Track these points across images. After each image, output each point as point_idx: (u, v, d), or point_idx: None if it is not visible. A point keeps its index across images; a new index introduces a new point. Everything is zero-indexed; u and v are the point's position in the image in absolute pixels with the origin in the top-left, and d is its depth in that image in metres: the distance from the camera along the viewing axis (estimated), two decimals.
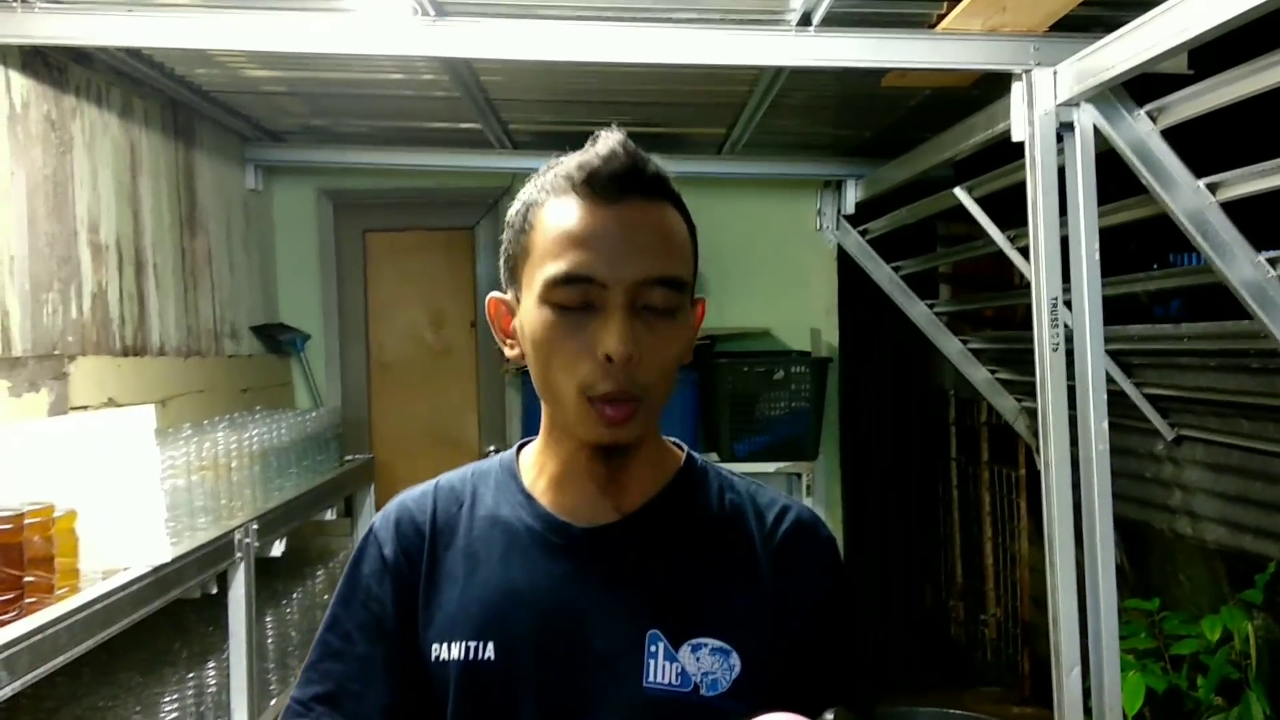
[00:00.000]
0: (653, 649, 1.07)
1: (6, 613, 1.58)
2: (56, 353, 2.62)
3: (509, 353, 1.13)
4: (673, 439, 1.19)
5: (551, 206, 1.07)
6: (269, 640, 2.83)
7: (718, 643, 1.07)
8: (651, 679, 1.06)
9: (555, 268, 1.04)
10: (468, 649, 1.07)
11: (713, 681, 1.07)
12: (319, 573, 3.31)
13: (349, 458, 3.76)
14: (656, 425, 1.15)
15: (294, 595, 3.06)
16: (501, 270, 1.13)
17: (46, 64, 2.64)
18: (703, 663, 1.07)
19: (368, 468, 3.89)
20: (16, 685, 1.52)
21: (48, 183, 2.64)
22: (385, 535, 1.15)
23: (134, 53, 2.87)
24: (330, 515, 3.44)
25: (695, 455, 1.19)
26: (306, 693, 1.12)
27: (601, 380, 1.03)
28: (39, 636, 1.58)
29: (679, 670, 1.06)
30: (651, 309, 1.04)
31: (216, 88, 3.39)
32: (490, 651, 1.07)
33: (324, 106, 3.69)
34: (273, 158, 4.14)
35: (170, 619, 2.47)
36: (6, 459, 1.76)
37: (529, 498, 1.13)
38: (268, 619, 2.85)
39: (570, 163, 1.08)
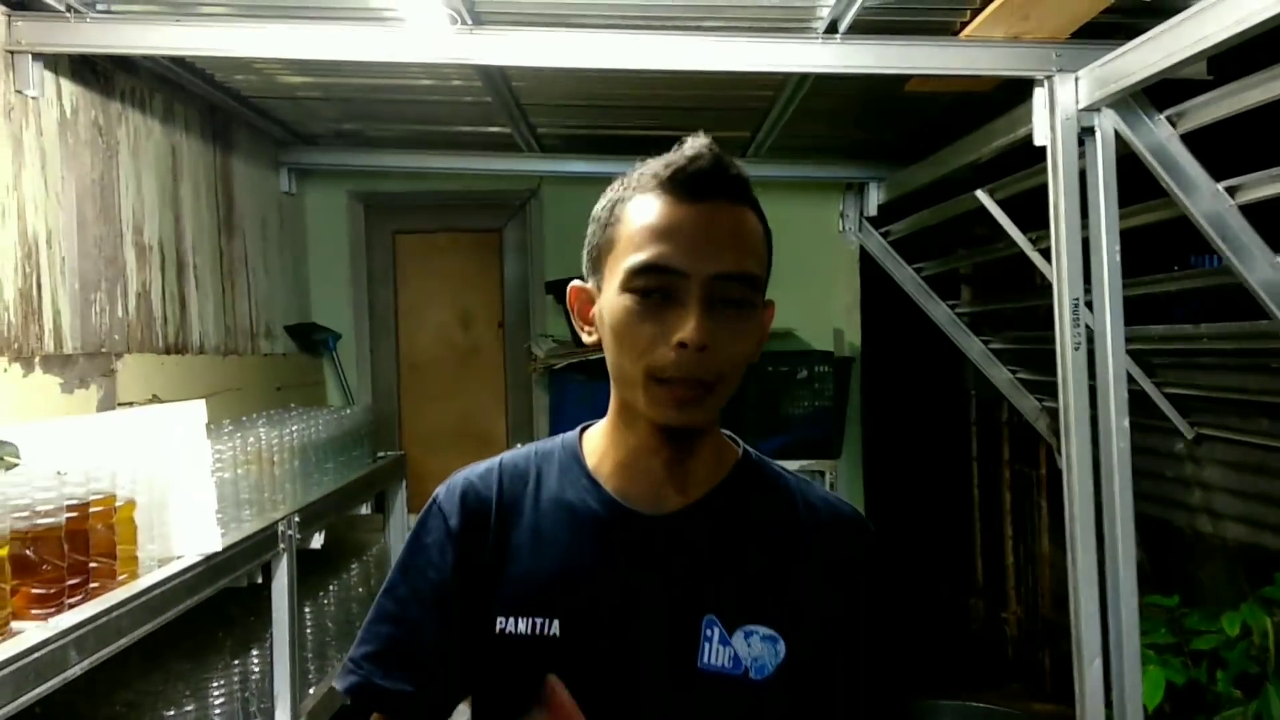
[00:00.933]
0: (708, 633, 1.13)
1: (74, 596, 1.65)
2: (104, 350, 2.71)
3: (587, 339, 1.20)
4: (727, 432, 1.26)
5: (637, 202, 1.14)
6: (308, 631, 2.91)
7: (768, 630, 1.14)
8: (706, 661, 1.13)
9: (639, 257, 1.10)
10: (534, 624, 1.14)
11: (761, 666, 1.13)
12: (353, 566, 3.38)
13: (381, 454, 3.84)
14: (718, 420, 1.21)
15: (330, 588, 3.14)
16: (584, 261, 1.20)
17: (94, 71, 2.73)
18: (753, 648, 1.13)
19: (399, 464, 3.96)
20: (85, 664, 1.60)
21: (95, 186, 2.73)
22: (450, 507, 1.21)
23: (177, 60, 2.96)
24: (365, 510, 3.52)
25: (750, 449, 1.26)
26: (359, 652, 1.20)
27: (673, 366, 1.09)
28: (105, 619, 1.66)
29: (731, 654, 1.13)
30: (726, 303, 1.10)
31: (253, 93, 3.48)
32: (555, 628, 1.13)
33: (355, 111, 3.78)
34: (306, 161, 4.24)
35: (214, 609, 2.55)
36: (68, 450, 1.84)
37: (594, 482, 1.19)
38: (306, 610, 2.92)
39: (658, 163, 1.15)
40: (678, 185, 1.12)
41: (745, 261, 1.12)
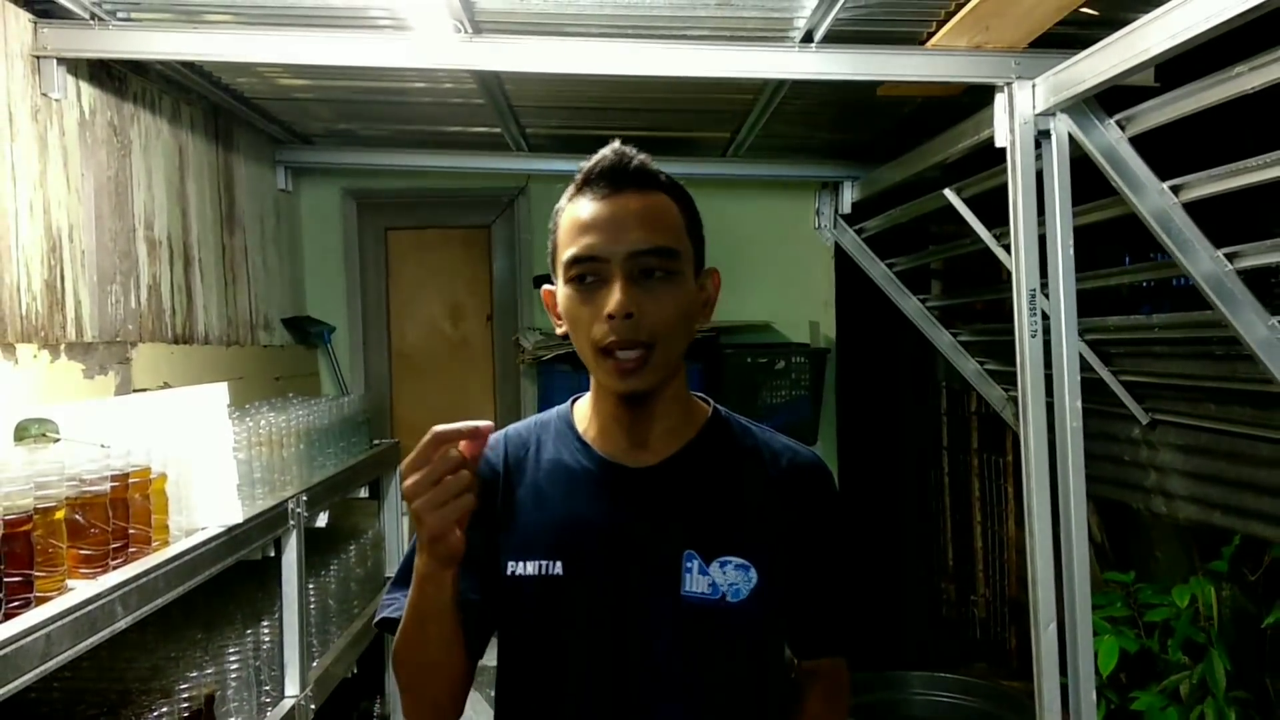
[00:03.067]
0: (689, 565, 1.33)
1: (116, 559, 1.81)
2: (119, 339, 2.86)
3: (559, 331, 1.40)
4: (699, 394, 1.45)
5: (568, 208, 1.36)
6: (311, 605, 3.06)
7: (740, 560, 1.34)
8: (688, 589, 1.33)
9: (570, 251, 1.32)
10: (541, 566, 1.33)
11: (736, 590, 1.33)
12: (351, 547, 3.53)
13: (376, 442, 3.99)
14: (683, 384, 1.40)
15: (331, 567, 3.29)
16: (549, 267, 1.41)
17: (110, 75, 2.87)
18: (728, 576, 1.33)
19: (393, 452, 4.11)
20: (129, 619, 1.76)
21: (111, 184, 2.87)
22: None
23: (186, 63, 3.10)
24: (364, 493, 3.67)
25: (720, 407, 1.46)
26: (380, 614, 1.40)
27: (607, 335, 1.29)
28: (145, 580, 1.81)
29: (710, 582, 1.32)
30: (648, 274, 1.30)
31: (254, 94, 3.60)
32: (559, 568, 1.33)
33: (350, 112, 3.90)
34: (302, 160, 4.37)
35: (223, 583, 2.69)
36: (103, 429, 1.99)
37: (584, 444, 1.40)
38: (310, 586, 3.08)
39: (578, 171, 1.36)
40: (591, 185, 1.34)
41: (655, 237, 1.31)
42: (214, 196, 3.60)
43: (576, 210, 1.33)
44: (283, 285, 4.31)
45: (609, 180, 1.33)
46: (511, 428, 1.48)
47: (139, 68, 3.02)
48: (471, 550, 1.28)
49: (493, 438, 1.45)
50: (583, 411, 1.45)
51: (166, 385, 3.00)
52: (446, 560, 1.23)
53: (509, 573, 1.35)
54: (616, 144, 1.36)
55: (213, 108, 3.59)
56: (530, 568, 1.34)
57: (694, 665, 1.33)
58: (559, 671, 1.34)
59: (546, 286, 1.42)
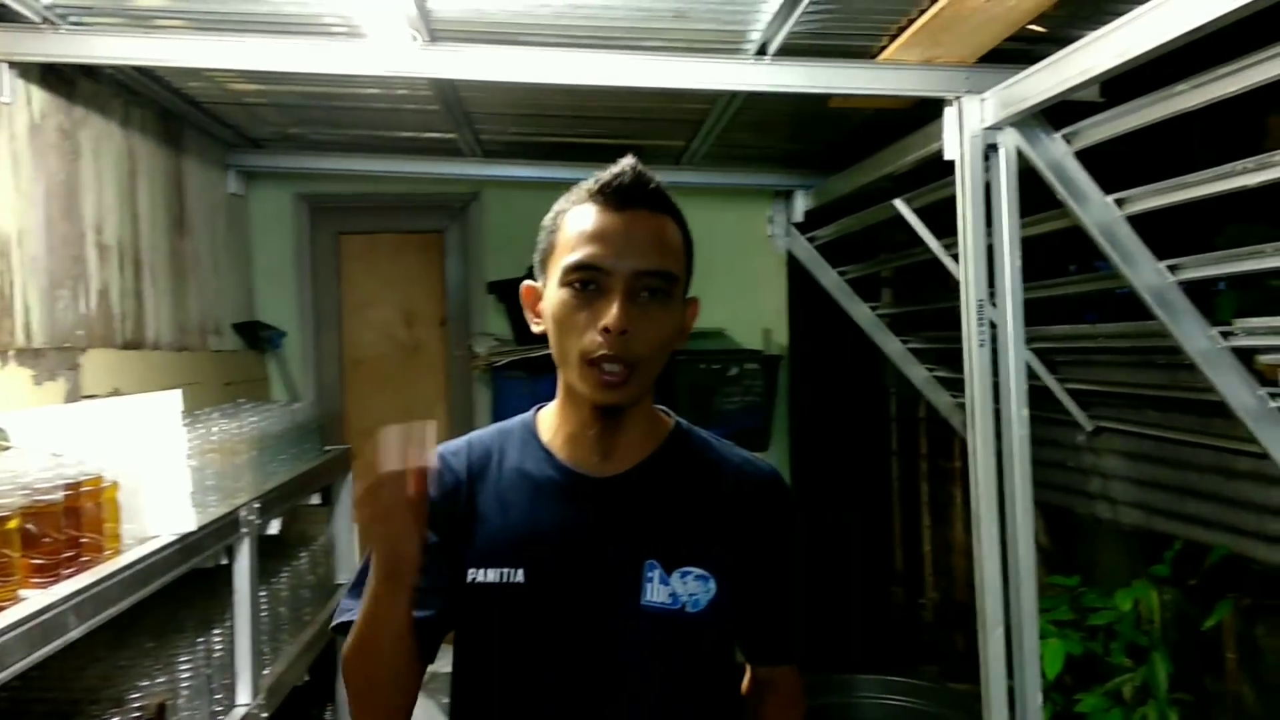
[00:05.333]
0: (649, 575, 1.35)
1: (69, 568, 1.80)
2: (68, 345, 2.82)
3: (535, 329, 1.41)
4: (661, 407, 1.47)
5: (574, 212, 1.37)
6: (263, 613, 3.04)
7: (701, 570, 1.36)
8: (648, 598, 1.34)
9: (573, 257, 1.33)
10: (502, 574, 1.35)
11: (695, 601, 1.35)
12: (303, 554, 3.51)
13: (328, 448, 3.97)
14: (650, 396, 1.42)
15: (283, 574, 3.27)
16: (535, 262, 1.42)
17: (60, 78, 2.84)
18: (688, 586, 1.35)
19: (344, 459, 4.09)
20: (81, 629, 1.74)
21: (61, 188, 2.84)
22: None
23: (138, 67, 3.07)
24: (316, 500, 3.65)
25: (681, 421, 1.48)
26: (337, 619, 1.40)
27: (600, 348, 1.30)
28: (98, 589, 1.79)
29: (670, 592, 1.35)
30: (646, 295, 1.33)
31: (205, 98, 3.58)
32: (520, 575, 1.34)
33: (303, 116, 3.88)
34: (253, 163, 4.34)
35: (174, 591, 2.67)
36: (54, 436, 1.97)
37: (548, 453, 1.41)
38: (262, 594, 3.05)
39: (592, 179, 1.37)
40: (605, 196, 1.35)
41: (661, 261, 1.34)
42: (164, 201, 3.57)
43: (585, 217, 1.35)
44: (234, 290, 4.28)
45: (624, 196, 1.35)
46: (475, 435, 1.49)
47: (89, 71, 2.99)
48: (431, 557, 1.29)
49: (456, 444, 1.47)
50: (547, 421, 1.46)
51: (116, 391, 2.97)
52: (402, 587, 1.24)
53: (470, 580, 1.36)
54: (633, 160, 1.38)
55: (163, 111, 3.56)
56: (492, 575, 1.35)
57: (653, 675, 1.35)
58: (518, 680, 1.36)
59: (529, 282, 1.43)
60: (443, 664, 1.44)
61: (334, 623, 1.40)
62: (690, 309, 1.43)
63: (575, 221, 1.36)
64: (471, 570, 1.36)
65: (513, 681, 1.36)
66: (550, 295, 1.36)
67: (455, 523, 1.38)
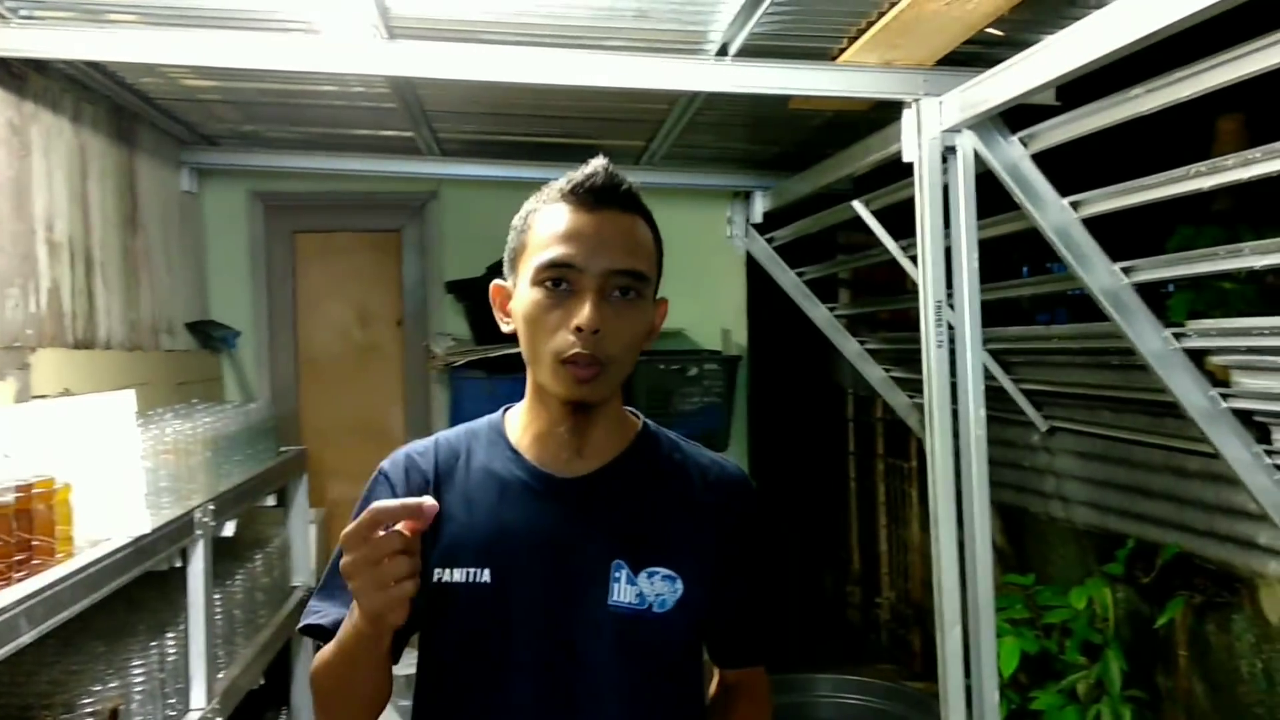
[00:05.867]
0: (617, 575, 1.34)
1: (21, 570, 1.76)
2: (18, 345, 2.77)
3: (505, 329, 1.40)
4: (630, 408, 1.47)
5: (545, 211, 1.36)
6: (217, 616, 3.00)
7: (667, 571, 1.36)
8: (615, 599, 1.34)
9: (545, 256, 1.32)
10: (468, 574, 1.33)
11: (662, 601, 1.35)
12: (258, 556, 3.47)
13: (282, 450, 3.92)
14: (619, 397, 1.42)
15: (237, 577, 3.23)
16: (505, 262, 1.41)
17: (10, 73, 2.79)
18: (655, 586, 1.35)
19: (300, 459, 4.05)
20: (33, 634, 1.71)
21: (11, 185, 2.78)
22: (396, 477, 1.41)
23: (90, 62, 3.02)
24: (271, 501, 3.61)
25: (649, 422, 1.47)
26: (331, 596, 1.37)
27: (573, 346, 1.30)
28: (50, 593, 1.76)
29: (638, 592, 1.34)
30: (618, 295, 1.32)
31: (158, 94, 3.52)
32: (487, 576, 1.33)
33: (257, 113, 3.83)
34: (207, 161, 4.28)
35: (126, 594, 2.63)
36: (6, 438, 1.93)
37: (516, 453, 1.40)
38: (216, 597, 3.01)
39: (564, 179, 1.37)
40: (578, 196, 1.34)
41: (633, 260, 1.34)
42: (117, 198, 3.51)
43: (557, 216, 1.34)
44: (187, 289, 4.22)
45: (597, 196, 1.34)
46: (443, 434, 1.48)
47: (40, 66, 2.93)
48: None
49: (423, 444, 1.45)
50: (515, 421, 1.45)
51: (67, 391, 2.92)
52: (384, 629, 1.21)
53: (436, 580, 1.34)
54: (605, 160, 1.37)
55: (116, 108, 3.50)
56: (458, 575, 1.34)
57: (620, 675, 1.34)
58: (484, 680, 1.34)
59: (498, 282, 1.42)
60: (402, 667, 1.43)
61: (302, 624, 1.38)
62: (660, 309, 1.42)
63: (547, 221, 1.35)
64: (438, 570, 1.35)
65: (478, 682, 1.35)
66: (521, 294, 1.36)
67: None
